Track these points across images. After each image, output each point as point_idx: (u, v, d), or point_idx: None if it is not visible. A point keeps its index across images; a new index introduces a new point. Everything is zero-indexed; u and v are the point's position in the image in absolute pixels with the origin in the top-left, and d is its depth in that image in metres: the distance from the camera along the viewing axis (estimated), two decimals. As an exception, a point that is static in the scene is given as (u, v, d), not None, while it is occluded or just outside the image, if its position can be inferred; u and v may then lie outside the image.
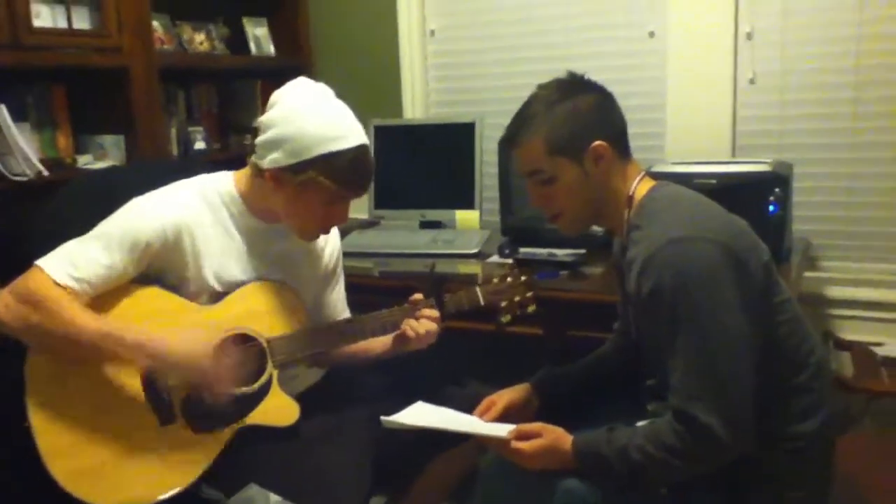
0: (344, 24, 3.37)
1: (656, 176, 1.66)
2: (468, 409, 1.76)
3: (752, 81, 2.78)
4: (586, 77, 1.65)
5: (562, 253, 2.47)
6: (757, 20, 2.74)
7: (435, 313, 1.83)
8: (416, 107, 3.30)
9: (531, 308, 1.95)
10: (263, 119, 1.68)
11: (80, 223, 1.66)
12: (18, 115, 2.34)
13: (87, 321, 1.55)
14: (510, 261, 2.48)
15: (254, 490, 1.60)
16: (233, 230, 1.75)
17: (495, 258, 2.57)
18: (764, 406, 1.46)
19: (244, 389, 1.68)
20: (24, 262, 1.61)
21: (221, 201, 1.74)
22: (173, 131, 2.89)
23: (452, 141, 2.92)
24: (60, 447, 1.57)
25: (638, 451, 1.45)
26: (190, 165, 2.07)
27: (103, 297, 1.62)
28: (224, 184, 1.76)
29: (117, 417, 1.61)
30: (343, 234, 2.05)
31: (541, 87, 1.64)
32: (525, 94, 1.66)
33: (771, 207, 2.31)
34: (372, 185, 1.94)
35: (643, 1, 2.91)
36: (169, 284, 1.70)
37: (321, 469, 1.67)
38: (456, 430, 1.65)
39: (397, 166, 2.86)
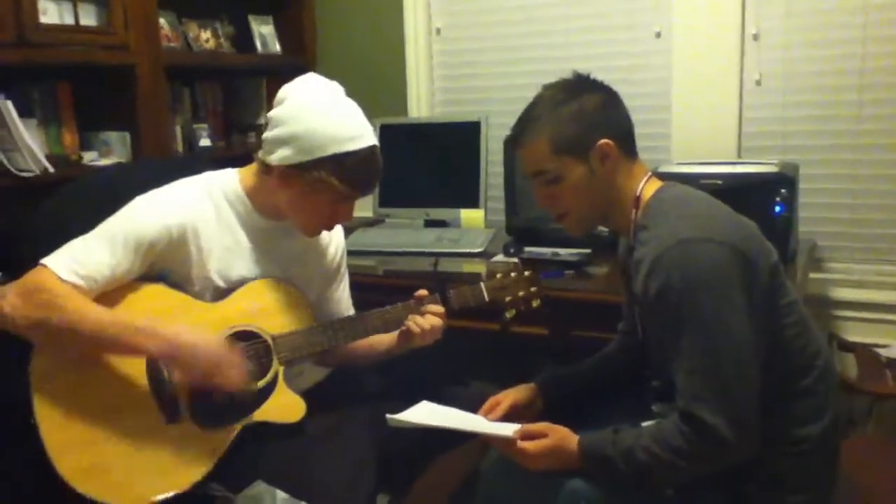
0: (350, 22, 3.37)
1: (662, 176, 1.65)
2: (472, 408, 1.76)
3: (757, 83, 2.77)
4: (592, 77, 1.64)
5: (566, 252, 2.47)
6: (763, 21, 2.73)
7: (440, 309, 1.83)
8: (421, 105, 3.30)
9: (536, 303, 1.94)
10: (273, 114, 1.67)
11: (85, 221, 1.66)
12: (24, 112, 2.35)
13: (96, 312, 1.55)
14: (515, 260, 2.47)
15: (261, 487, 1.60)
16: (238, 228, 1.75)
17: (500, 257, 2.56)
18: (769, 408, 1.46)
19: (251, 386, 1.68)
20: (28, 259, 1.61)
21: (227, 199, 1.74)
22: (178, 129, 2.90)
23: (458, 140, 2.91)
24: (67, 444, 1.57)
25: (644, 451, 1.45)
26: (195, 163, 2.07)
27: (108, 295, 1.61)
28: (229, 181, 1.75)
29: (124, 415, 1.61)
30: (347, 232, 2.05)
31: (546, 87, 1.64)
32: (530, 94, 1.65)
33: (777, 208, 2.31)
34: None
35: (649, 1, 2.90)
36: (173, 282, 1.70)
37: (326, 467, 1.66)
38: (461, 429, 1.65)
39: (402, 165, 2.85)
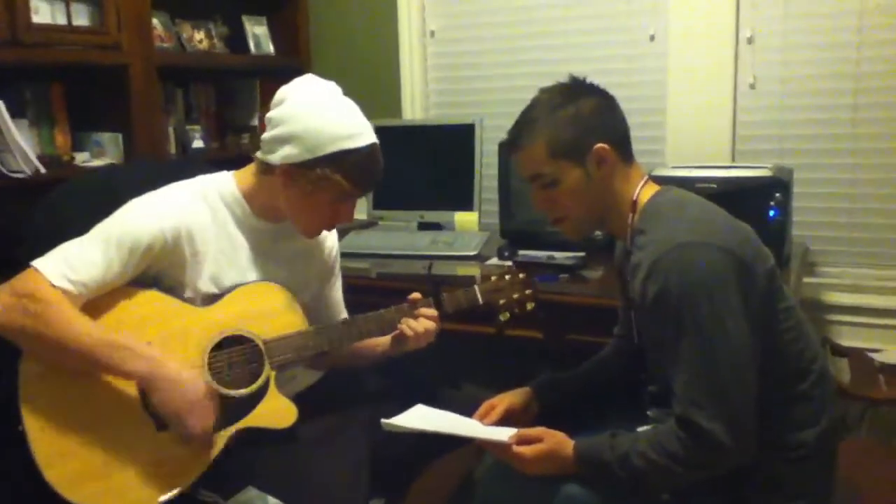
0: (344, 23, 3.36)
1: (657, 180, 1.65)
2: (467, 412, 1.75)
3: (752, 86, 2.78)
4: (588, 80, 1.64)
5: (561, 256, 2.46)
6: (758, 24, 2.74)
7: (433, 312, 1.82)
8: (415, 108, 3.29)
9: (530, 306, 1.93)
10: (273, 115, 1.67)
11: (79, 223, 1.64)
12: (16, 112, 2.33)
13: (81, 327, 1.52)
14: (510, 263, 2.47)
15: (252, 493, 1.59)
16: (235, 231, 1.73)
17: (494, 260, 2.56)
18: (765, 413, 1.46)
19: (241, 392, 1.67)
20: (19, 262, 1.59)
21: (223, 202, 1.73)
22: (171, 130, 2.88)
23: (452, 142, 2.91)
24: (55, 451, 1.55)
25: (640, 457, 1.45)
26: (190, 165, 2.05)
27: (100, 299, 1.60)
28: (225, 184, 1.74)
29: (113, 422, 1.59)
30: (341, 234, 2.04)
31: (543, 90, 1.63)
32: (525, 97, 1.65)
33: (771, 212, 2.31)
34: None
35: (644, 4, 2.90)
36: (167, 286, 1.68)
37: (319, 472, 1.65)
38: (456, 433, 1.64)
39: (396, 167, 2.82)
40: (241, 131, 3.22)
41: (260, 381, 1.69)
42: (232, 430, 1.66)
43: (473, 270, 2.53)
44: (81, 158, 2.54)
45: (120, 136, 2.60)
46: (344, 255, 2.05)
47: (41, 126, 2.48)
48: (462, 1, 3.20)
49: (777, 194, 2.32)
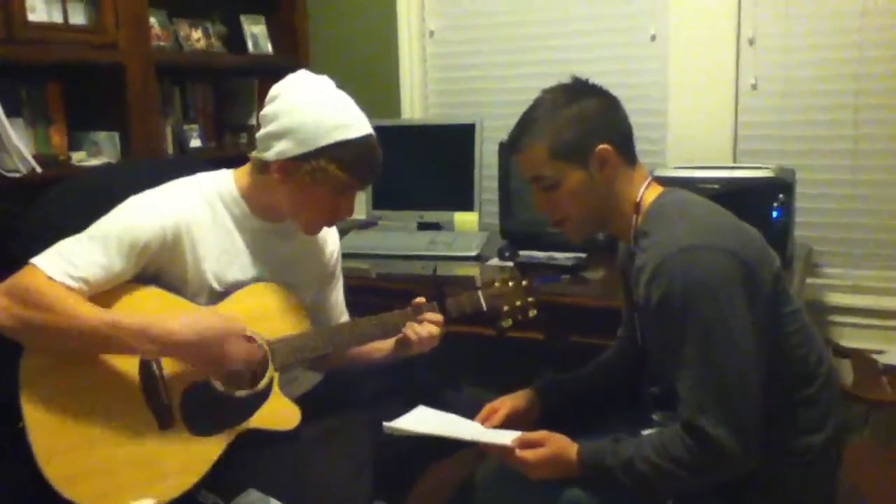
0: (342, 23, 3.34)
1: (660, 181, 1.64)
2: (468, 414, 1.74)
3: (753, 87, 2.77)
4: (591, 81, 1.62)
5: (562, 256, 2.45)
6: (759, 25, 2.73)
7: (438, 317, 1.81)
8: (414, 107, 3.28)
9: (532, 313, 1.94)
10: (267, 111, 1.65)
11: (76, 221, 1.62)
12: (12, 111, 2.31)
13: (87, 311, 1.51)
14: (510, 264, 2.46)
15: (253, 495, 1.57)
16: (234, 230, 1.72)
17: (495, 261, 2.55)
18: (771, 418, 1.44)
19: (245, 392, 1.65)
20: (16, 260, 1.57)
21: (222, 201, 1.71)
22: (169, 129, 2.86)
23: (452, 142, 2.89)
24: (55, 448, 1.52)
25: (644, 462, 1.43)
26: (187, 164, 2.03)
27: (101, 297, 1.58)
28: (224, 183, 1.73)
29: (115, 420, 1.57)
30: (340, 234, 2.03)
31: (545, 91, 1.62)
32: (524, 97, 1.64)
33: (775, 213, 2.30)
34: (369, 185, 1.92)
35: (645, 4, 2.89)
36: (167, 285, 1.66)
37: (321, 474, 1.63)
38: (458, 437, 1.63)
39: (395, 167, 2.81)
40: (239, 131, 3.20)
41: (265, 382, 1.67)
42: (235, 431, 1.64)
43: (473, 271, 2.52)
44: (78, 158, 2.52)
45: (117, 135, 2.58)
46: (343, 255, 2.03)
47: (37, 125, 2.46)
48: (461, 0, 3.18)
49: (780, 195, 2.31)
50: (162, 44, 2.81)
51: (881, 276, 2.72)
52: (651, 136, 2.86)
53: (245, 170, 1.73)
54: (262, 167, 1.66)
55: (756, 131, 2.80)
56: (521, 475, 1.55)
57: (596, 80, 1.63)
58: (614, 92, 1.63)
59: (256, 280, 1.74)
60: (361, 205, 2.87)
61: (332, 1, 3.35)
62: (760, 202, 2.29)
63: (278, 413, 1.68)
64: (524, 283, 1.93)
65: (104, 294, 1.58)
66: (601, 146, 1.54)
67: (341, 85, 1.71)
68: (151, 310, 1.62)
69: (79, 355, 1.56)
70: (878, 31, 2.60)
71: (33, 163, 2.29)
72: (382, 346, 1.88)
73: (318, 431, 1.73)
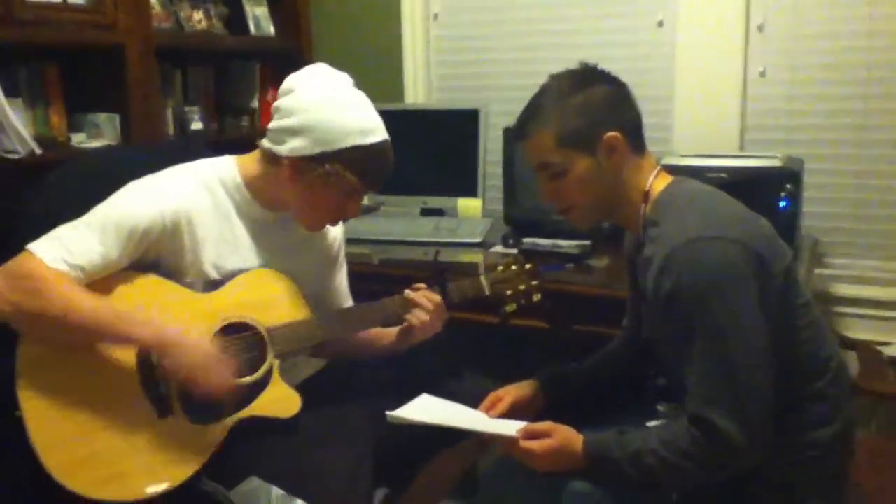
0: (345, 4, 3.30)
1: (668, 170, 1.61)
2: (471, 404, 1.72)
3: (762, 74, 2.73)
4: (600, 68, 1.60)
5: (567, 244, 2.43)
6: (768, 12, 2.69)
7: (438, 299, 1.79)
8: (418, 92, 3.24)
9: (537, 297, 1.91)
10: (282, 104, 1.63)
11: (76, 206, 1.60)
12: (10, 92, 2.27)
13: (84, 299, 1.49)
14: (514, 251, 2.43)
15: (255, 483, 1.56)
16: (235, 218, 1.70)
17: (499, 248, 2.52)
18: (780, 412, 1.42)
19: (244, 380, 1.63)
20: (15, 244, 1.54)
21: (224, 188, 1.69)
22: (169, 111, 2.82)
23: (456, 127, 2.86)
24: (54, 439, 1.51)
25: (651, 455, 1.41)
26: (188, 147, 2.01)
27: (99, 284, 1.56)
28: (227, 170, 1.70)
29: (114, 409, 1.56)
30: (343, 220, 2.01)
31: (553, 77, 1.59)
32: (530, 82, 1.62)
33: (782, 203, 2.27)
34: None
35: (652, -11, 2.85)
36: (166, 271, 1.64)
37: (322, 462, 1.62)
38: (462, 427, 1.61)
39: (399, 152, 2.79)
40: (241, 113, 3.16)
41: (263, 369, 1.65)
42: (236, 418, 1.62)
43: (477, 257, 2.50)
44: (78, 139, 2.49)
45: (117, 117, 2.54)
46: (346, 240, 2.01)
47: (36, 106, 2.42)
48: (466, -16, 3.14)
49: (788, 185, 2.28)
50: (162, 25, 2.77)
51: (889, 267, 2.69)
52: (657, 124, 2.81)
53: (252, 157, 1.71)
54: (273, 159, 1.64)
55: (764, 119, 2.76)
56: (524, 466, 1.53)
57: (602, 66, 1.60)
58: (620, 78, 1.60)
59: (257, 267, 1.71)
60: (364, 190, 2.84)
61: (335, -18, 3.31)
62: (768, 191, 2.26)
63: (278, 400, 1.67)
64: (528, 266, 1.90)
65: (102, 281, 1.56)
66: (610, 133, 1.51)
67: (344, 68, 1.69)
68: (149, 298, 1.60)
69: (74, 344, 1.54)
70: (887, 20, 2.56)
71: (33, 144, 2.26)
72: (385, 335, 1.87)
73: (320, 420, 1.71)
